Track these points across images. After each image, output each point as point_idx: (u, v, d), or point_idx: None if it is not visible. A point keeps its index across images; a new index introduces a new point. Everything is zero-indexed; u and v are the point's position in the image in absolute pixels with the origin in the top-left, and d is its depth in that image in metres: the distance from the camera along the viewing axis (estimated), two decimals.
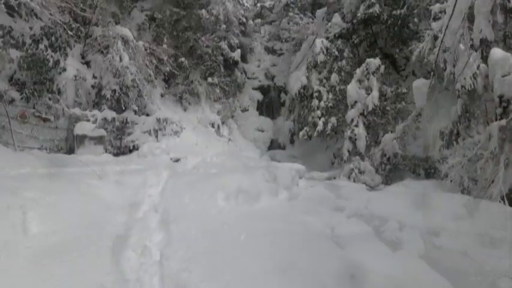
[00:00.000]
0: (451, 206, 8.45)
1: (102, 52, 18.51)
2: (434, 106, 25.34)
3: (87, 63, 18.58)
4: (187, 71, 24.93)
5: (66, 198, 7.96)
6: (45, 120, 15.49)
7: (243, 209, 8.45)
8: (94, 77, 17.70)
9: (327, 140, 24.82)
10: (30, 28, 15.55)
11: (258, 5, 38.72)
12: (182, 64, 23.84)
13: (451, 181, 14.55)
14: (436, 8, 19.97)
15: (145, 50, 19.16)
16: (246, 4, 33.80)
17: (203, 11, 26.54)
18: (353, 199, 10.91)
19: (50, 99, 15.61)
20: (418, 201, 8.94)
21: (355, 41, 26.98)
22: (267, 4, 38.61)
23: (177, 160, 15.59)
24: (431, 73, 25.86)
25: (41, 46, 15.04)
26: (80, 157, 15.24)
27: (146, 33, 24.53)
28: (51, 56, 15.06)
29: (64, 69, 15.70)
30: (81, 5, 17.55)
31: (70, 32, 15.88)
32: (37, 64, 14.92)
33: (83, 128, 16.05)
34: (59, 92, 15.99)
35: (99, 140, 16.40)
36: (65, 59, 15.84)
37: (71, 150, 16.11)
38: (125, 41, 18.35)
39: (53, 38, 15.40)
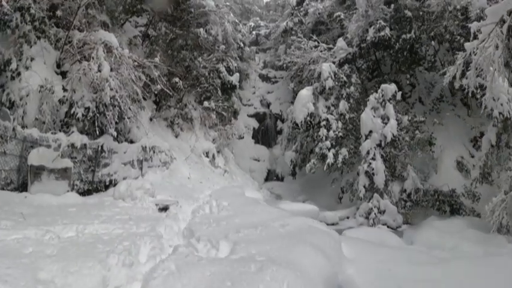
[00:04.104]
0: None
1: (81, 62, 12.62)
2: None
3: (63, 74, 12.75)
4: (181, 93, 19.25)
5: None
6: None
7: None
8: (65, 89, 11.76)
9: (330, 171, 19.18)
10: None
11: (253, 32, 33.74)
12: (176, 85, 18.25)
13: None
14: (474, 26, 14.93)
15: (134, 61, 13.35)
16: (242, 30, 28.44)
17: (201, 29, 21.19)
18: None
19: None
20: None
21: (363, 66, 21.89)
22: (262, 32, 33.61)
23: (165, 208, 9.68)
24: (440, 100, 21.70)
25: None
26: (33, 198, 9.50)
27: (138, 49, 18.96)
28: (0, 52, 9.23)
29: (18, 74, 9.89)
30: None
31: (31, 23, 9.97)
32: None
33: (40, 156, 10.12)
34: (12, 105, 10.16)
35: (62, 173, 10.42)
36: (20, 59, 9.97)
37: (23, 186, 10.23)
38: (108, 48, 12.62)
39: (8, 31, 9.60)
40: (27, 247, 5.26)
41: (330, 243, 7.24)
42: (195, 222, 7.93)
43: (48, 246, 5.38)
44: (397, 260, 7.96)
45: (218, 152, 20.41)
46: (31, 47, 10.72)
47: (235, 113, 24.20)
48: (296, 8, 29.19)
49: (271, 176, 24.36)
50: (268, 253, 5.67)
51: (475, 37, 14.28)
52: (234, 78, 22.64)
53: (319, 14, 26.49)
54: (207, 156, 19.24)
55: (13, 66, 9.74)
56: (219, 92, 21.38)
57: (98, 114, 11.70)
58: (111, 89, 11.67)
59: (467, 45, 13.99)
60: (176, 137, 18.64)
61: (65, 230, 6.50)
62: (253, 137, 26.25)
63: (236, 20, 27.48)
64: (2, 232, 5.92)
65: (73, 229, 6.56)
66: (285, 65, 25.04)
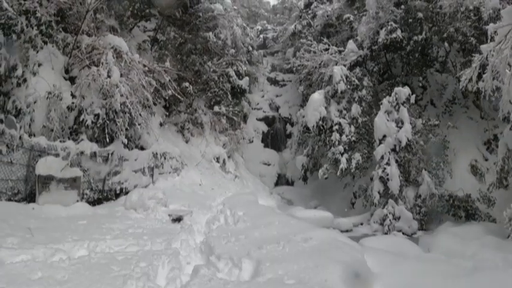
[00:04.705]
0: None
1: (90, 67, 12.11)
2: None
3: (72, 80, 12.24)
4: (191, 97, 18.70)
5: None
6: None
7: None
8: (73, 95, 11.25)
9: (342, 176, 18.53)
10: None
11: (261, 36, 33.18)
12: (186, 90, 17.65)
13: None
14: (491, 28, 14.36)
15: (144, 66, 12.83)
16: (250, 34, 27.88)
17: (210, 33, 20.67)
18: None
19: (2, 121, 9.28)
20: None
21: (374, 69, 21.27)
22: (269, 35, 33.06)
23: (178, 219, 9.12)
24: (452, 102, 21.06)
25: None
26: (40, 209, 8.99)
27: (147, 54, 18.46)
28: (5, 58, 8.73)
29: (24, 80, 9.42)
30: None
31: (36, 28, 9.44)
32: None
33: (48, 165, 9.60)
34: (19, 113, 9.66)
35: (71, 183, 9.90)
36: (26, 64, 9.50)
37: (31, 196, 9.71)
38: (118, 53, 12.11)
39: (13, 36, 9.11)
40: (36, 271, 4.72)
41: (357, 258, 6.71)
42: (212, 236, 7.38)
43: (58, 270, 4.84)
44: (424, 273, 7.41)
45: (229, 157, 19.85)
46: (37, 52, 10.17)
47: (245, 117, 23.68)
48: (304, 10, 28.56)
49: (281, 180, 23.71)
50: (298, 274, 5.13)
51: (492, 39, 13.80)
52: (244, 82, 22.08)
53: (327, 16, 25.80)
54: (218, 161, 18.69)
55: (19, 72, 9.18)
56: (229, 97, 20.83)
57: (108, 121, 11.15)
58: (122, 95, 11.15)
59: (483, 47, 13.51)
60: (187, 142, 18.12)
61: (75, 247, 5.96)
62: (262, 141, 25.61)
63: (244, 24, 26.97)
64: (8, 252, 5.37)
65: (84, 246, 6.02)
66: (294, 68, 24.37)
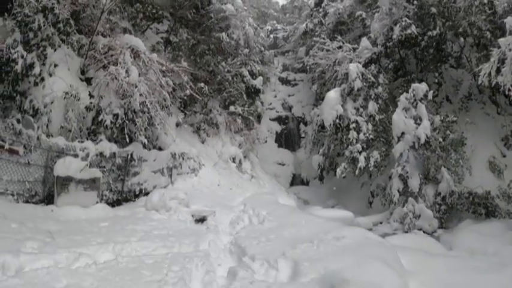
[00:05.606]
0: None
1: (106, 68, 11.74)
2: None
3: (88, 81, 11.88)
4: (206, 98, 18.28)
5: None
6: (11, 151, 8.62)
7: None
8: (91, 95, 10.88)
9: (360, 175, 17.95)
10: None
11: (271, 36, 32.78)
12: (202, 90, 17.22)
13: None
14: (510, 21, 13.86)
15: (162, 65, 12.46)
16: (261, 34, 27.46)
17: (223, 34, 20.27)
18: None
19: (19, 121, 8.84)
20: None
21: (389, 66, 20.71)
22: (279, 35, 32.67)
23: (202, 220, 8.68)
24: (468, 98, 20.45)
25: (9, 41, 8.42)
26: (59, 212, 8.59)
27: (161, 55, 18.00)
28: (22, 56, 8.36)
29: (42, 79, 9.08)
30: None
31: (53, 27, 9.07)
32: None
33: (67, 166, 9.18)
34: (36, 113, 9.29)
35: (91, 184, 9.48)
36: (43, 63, 9.15)
37: (49, 198, 9.31)
38: (135, 53, 11.73)
39: (30, 34, 8.75)
40: (60, 279, 4.26)
41: (393, 256, 6.27)
42: (240, 237, 6.95)
43: (84, 277, 4.38)
44: (456, 269, 7.13)
45: (244, 157, 19.37)
46: (55, 50, 9.77)
47: (259, 117, 23.21)
48: (315, 9, 28.06)
49: (296, 180, 23.15)
50: (340, 273, 4.70)
51: (510, 32, 13.25)
52: (258, 82, 21.65)
53: (339, 14, 25.27)
54: (234, 161, 18.21)
55: (36, 71, 8.81)
56: (244, 96, 20.43)
57: (127, 121, 10.75)
58: (141, 95, 10.75)
59: (501, 41, 13.04)
60: (202, 142, 17.73)
61: (100, 251, 5.52)
62: (276, 141, 25.10)
63: (254, 24, 26.56)
64: (27, 257, 4.91)
65: (109, 250, 5.58)
66: (308, 67, 23.78)
